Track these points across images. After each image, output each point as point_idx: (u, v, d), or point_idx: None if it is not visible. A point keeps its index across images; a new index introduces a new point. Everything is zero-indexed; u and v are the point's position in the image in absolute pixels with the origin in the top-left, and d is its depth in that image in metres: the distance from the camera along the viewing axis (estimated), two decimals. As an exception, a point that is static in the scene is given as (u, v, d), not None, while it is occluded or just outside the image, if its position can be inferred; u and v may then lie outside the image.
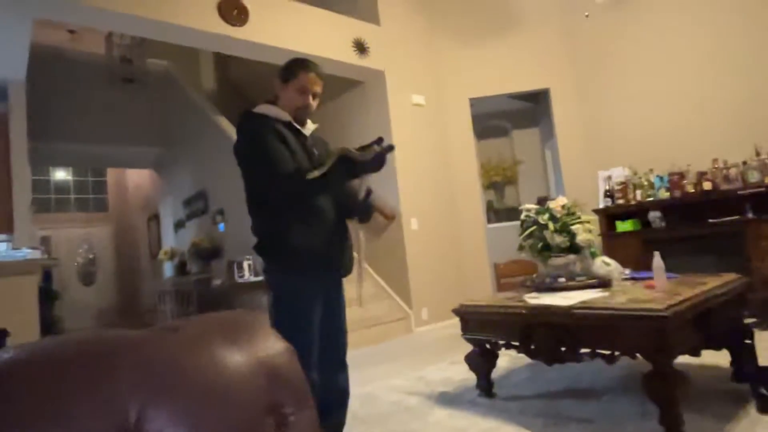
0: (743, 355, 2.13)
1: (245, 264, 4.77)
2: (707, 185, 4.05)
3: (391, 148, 1.63)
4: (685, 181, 4.21)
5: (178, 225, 7.64)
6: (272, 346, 0.55)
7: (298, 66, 1.79)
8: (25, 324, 2.83)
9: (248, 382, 0.50)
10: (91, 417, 0.40)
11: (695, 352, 1.91)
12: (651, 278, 2.26)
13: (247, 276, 4.74)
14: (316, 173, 1.63)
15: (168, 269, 7.38)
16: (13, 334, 2.43)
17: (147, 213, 9.19)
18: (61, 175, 9.36)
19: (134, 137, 7.18)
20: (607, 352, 1.87)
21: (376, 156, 1.62)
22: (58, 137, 6.33)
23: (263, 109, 1.78)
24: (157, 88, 6.90)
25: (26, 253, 3.16)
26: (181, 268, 6.95)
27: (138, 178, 9.54)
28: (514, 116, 7.11)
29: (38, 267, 3.31)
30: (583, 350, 1.98)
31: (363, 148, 1.65)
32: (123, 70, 5.94)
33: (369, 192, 1.74)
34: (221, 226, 6.16)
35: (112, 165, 9.08)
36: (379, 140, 1.65)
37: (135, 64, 6.00)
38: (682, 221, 4.19)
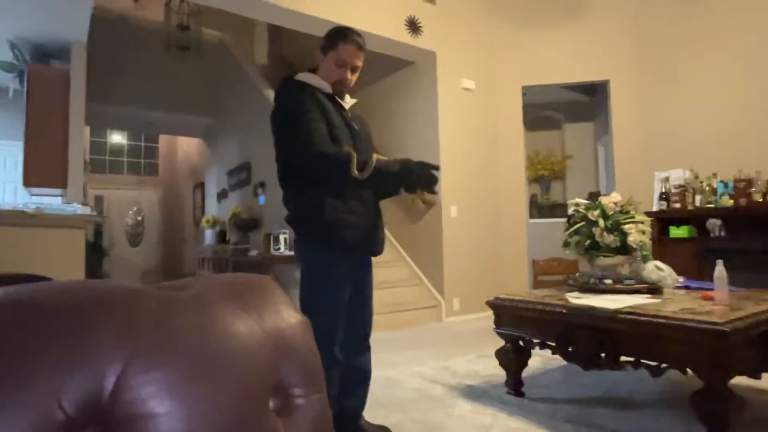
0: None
1: (281, 237, 4.81)
2: (778, 195, 3.71)
3: (436, 168, 1.61)
4: (752, 189, 3.87)
5: (221, 195, 7.82)
6: (286, 317, 0.49)
7: (338, 36, 1.70)
8: (70, 276, 2.95)
9: (253, 354, 0.44)
10: (56, 376, 0.34)
11: (755, 374, 1.74)
12: (708, 289, 2.08)
13: (283, 249, 4.78)
14: (356, 172, 1.55)
15: (209, 237, 7.59)
16: (57, 284, 2.52)
17: (193, 181, 9.46)
18: (116, 138, 9.76)
19: (186, 106, 7.36)
20: (654, 363, 1.72)
21: (425, 173, 1.58)
22: (115, 101, 6.57)
23: (305, 77, 1.71)
24: (210, 59, 7.01)
25: (76, 207, 3.27)
26: (221, 237, 7.13)
27: (187, 147, 9.82)
28: (568, 108, 6.78)
29: (87, 222, 3.43)
30: (624, 358, 1.85)
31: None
32: (179, 38, 6.05)
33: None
34: (262, 199, 6.24)
35: (164, 131, 9.38)
36: (436, 168, 1.61)
37: (191, 32, 6.10)
38: (744, 232, 3.87)
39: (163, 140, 10.17)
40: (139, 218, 9.86)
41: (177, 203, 10.04)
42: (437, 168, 1.61)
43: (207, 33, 6.73)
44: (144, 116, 7.38)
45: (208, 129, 8.13)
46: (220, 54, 7.17)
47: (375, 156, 1.62)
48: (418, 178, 1.58)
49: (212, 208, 8.24)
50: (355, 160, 1.53)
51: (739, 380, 1.80)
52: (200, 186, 9.05)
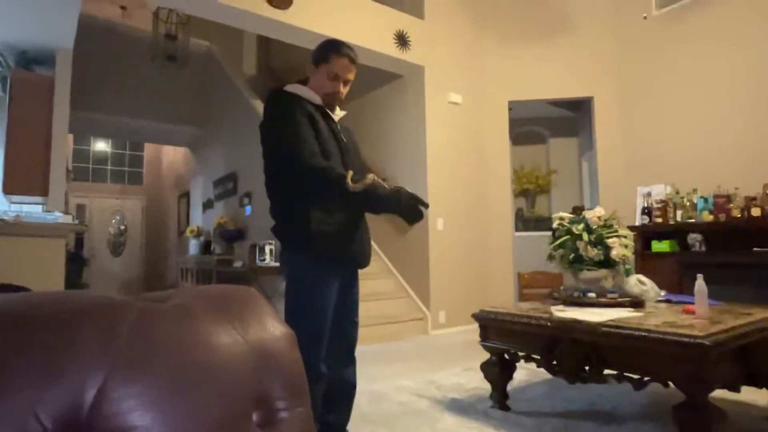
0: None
1: (267, 248, 4.77)
2: (756, 211, 3.80)
3: (425, 205, 1.59)
4: (731, 205, 3.96)
5: (207, 205, 7.75)
6: (270, 329, 0.48)
7: (331, 49, 1.70)
8: (49, 286, 2.88)
9: (236, 366, 0.43)
10: (33, 388, 0.33)
11: (734, 387, 1.76)
12: (689, 303, 2.11)
13: (268, 260, 4.74)
14: (350, 183, 1.52)
15: (193, 247, 7.48)
16: (35, 294, 2.45)
17: (178, 190, 9.36)
18: (100, 146, 9.64)
19: (173, 115, 7.31)
20: (636, 377, 1.74)
21: (412, 207, 1.55)
22: (100, 108, 6.50)
23: (295, 88, 1.71)
24: (198, 69, 6.99)
25: (57, 216, 3.21)
26: (206, 247, 7.03)
27: (172, 156, 9.73)
28: (553, 124, 6.90)
29: (67, 231, 3.36)
30: (608, 371, 1.86)
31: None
32: (167, 47, 6.02)
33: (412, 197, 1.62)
34: (248, 209, 6.20)
35: (149, 140, 9.28)
36: (425, 205, 1.59)
37: (179, 42, 6.08)
38: (724, 247, 3.95)
39: (148, 149, 10.06)
40: (122, 227, 9.70)
41: (161, 213, 9.91)
42: (426, 206, 1.57)
43: (195, 43, 6.72)
44: (129, 124, 7.30)
45: (194, 138, 8.07)
46: (208, 64, 7.16)
47: (371, 175, 1.61)
48: (404, 211, 1.55)
49: (197, 218, 8.14)
50: (349, 174, 1.53)
51: (720, 393, 1.82)
52: (185, 195, 8.95)
